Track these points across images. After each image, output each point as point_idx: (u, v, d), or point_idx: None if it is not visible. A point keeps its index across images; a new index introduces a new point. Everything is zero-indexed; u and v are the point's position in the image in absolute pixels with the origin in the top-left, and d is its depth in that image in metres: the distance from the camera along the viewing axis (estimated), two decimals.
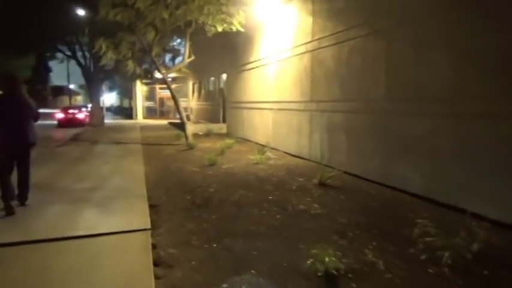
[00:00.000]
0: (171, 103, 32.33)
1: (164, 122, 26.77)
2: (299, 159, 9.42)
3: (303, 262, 3.26)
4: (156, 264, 3.31)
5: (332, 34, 8.18)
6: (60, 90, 76.32)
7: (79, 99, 75.87)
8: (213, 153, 10.19)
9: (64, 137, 15.97)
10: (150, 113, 32.99)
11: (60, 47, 23.36)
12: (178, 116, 29.84)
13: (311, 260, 3.18)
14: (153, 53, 11.62)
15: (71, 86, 67.41)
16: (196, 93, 26.98)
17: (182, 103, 31.90)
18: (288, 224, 4.42)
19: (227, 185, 6.42)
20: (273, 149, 11.06)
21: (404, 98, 6.11)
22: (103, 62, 11.55)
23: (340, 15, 7.92)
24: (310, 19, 9.17)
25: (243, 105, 14.84)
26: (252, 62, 13.57)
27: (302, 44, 9.60)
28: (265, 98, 12.39)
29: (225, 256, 3.50)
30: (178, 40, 24.59)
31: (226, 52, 17.20)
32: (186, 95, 29.26)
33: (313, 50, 9.02)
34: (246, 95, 14.50)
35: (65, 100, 65.53)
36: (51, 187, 6.33)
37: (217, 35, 12.14)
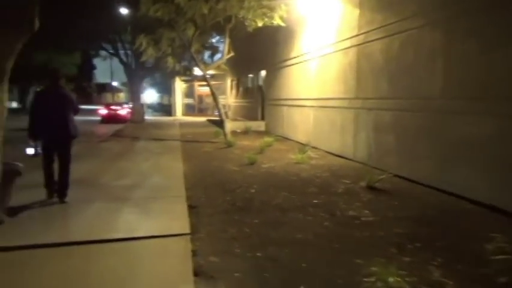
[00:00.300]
0: (209, 100, 32.50)
1: (203, 119, 26.91)
2: (342, 160, 8.94)
3: (360, 280, 2.88)
4: (196, 273, 3.05)
5: (381, 27, 7.63)
6: (103, 87, 79.28)
7: (121, 96, 78.51)
8: (252, 152, 9.92)
9: (106, 133, 16.34)
10: (188, 110, 33.34)
11: (103, 45, 24.04)
12: (216, 113, 29.90)
13: (371, 278, 2.79)
14: (193, 49, 11.51)
15: (114, 83, 69.88)
16: (234, 91, 26.90)
17: (220, 100, 32.21)
18: (337, 233, 4.03)
19: (268, 186, 6.10)
20: (314, 148, 10.63)
21: (467, 95, 5.51)
22: (143, 58, 11.61)
23: (391, 6, 7.36)
24: (356, 12, 8.64)
25: (283, 102, 14.47)
26: (293, 58, 13.16)
27: (347, 39, 9.09)
28: (306, 95, 11.96)
29: (271, 268, 3.18)
30: (217, 37, 24.68)
31: (265, 48, 16.89)
32: (224, 92, 29.27)
33: (359, 44, 8.49)
34: (285, 92, 14.12)
35: (108, 97, 68.05)
36: (91, 183, 6.30)
37: (257, 30, 11.88)
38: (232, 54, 12.55)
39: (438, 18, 6.07)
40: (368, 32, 8.12)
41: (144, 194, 5.58)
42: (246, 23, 10.61)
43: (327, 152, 10.07)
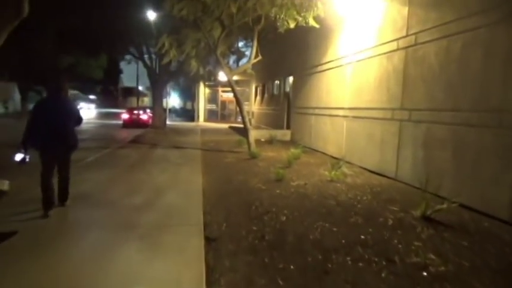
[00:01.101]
0: (232, 106, 31.82)
1: (225, 125, 26.15)
2: (382, 178, 7.83)
3: None
4: None
5: (437, 26, 6.54)
6: (129, 91, 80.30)
7: (146, 100, 79.18)
8: (279, 165, 8.97)
9: (126, 138, 15.71)
10: (211, 115, 32.69)
11: (129, 48, 23.70)
12: (239, 120, 29.12)
13: None
14: (218, 52, 10.66)
15: (140, 88, 70.51)
16: (258, 97, 26.04)
17: (244, 107, 31.45)
18: None
19: (302, 212, 5.09)
20: (347, 162, 9.54)
21: None
22: (165, 60, 10.84)
23: (451, 1, 6.27)
24: (404, 10, 7.57)
25: (311, 110, 13.44)
26: (324, 63, 12.14)
27: (391, 41, 8.03)
28: (338, 104, 10.91)
29: None
30: (243, 42, 23.90)
31: (293, 53, 15.94)
32: (247, 99, 28.44)
33: (408, 47, 7.41)
34: (315, 99, 13.09)
35: (133, 101, 68.57)
36: (97, 200, 5.47)
37: (285, 34, 10.97)
38: (259, 58, 11.64)
39: None
40: (419, 32, 7.04)
41: (155, 218, 4.66)
42: (278, 23, 9.66)
43: (362, 167, 8.96)
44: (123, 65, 60.13)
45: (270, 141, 14.67)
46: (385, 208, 5.43)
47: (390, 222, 4.76)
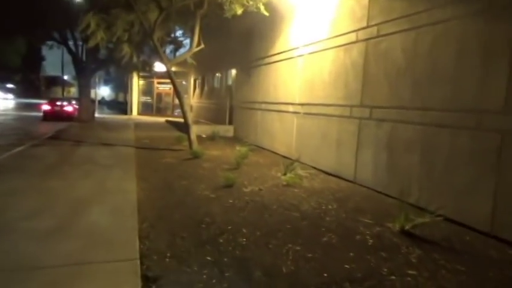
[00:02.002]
0: (169, 99, 30.07)
1: (161, 119, 24.46)
2: (340, 181, 7.21)
3: None
4: None
5: (404, 16, 5.97)
6: (53, 81, 73.38)
7: (73, 90, 73.06)
8: (226, 166, 8.02)
9: (45, 133, 13.61)
10: (145, 108, 30.57)
11: (51, 32, 20.88)
12: (176, 114, 27.50)
13: None
14: (155, 38, 9.33)
15: (65, 77, 64.84)
16: (198, 90, 24.71)
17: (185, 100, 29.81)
18: None
19: (264, 230, 4.17)
20: (297, 161, 8.86)
21: None
22: (91, 43, 9.25)
23: None
24: None
25: (257, 105, 12.61)
26: (272, 55, 11.34)
27: (349, 32, 7.40)
28: (287, 99, 10.17)
29: None
30: (181, 31, 22.35)
31: (237, 44, 14.97)
32: (186, 92, 26.92)
33: (369, 39, 6.81)
34: (261, 94, 12.26)
35: (58, 91, 62.95)
36: None
37: (228, 23, 10.02)
38: (202, 46, 10.51)
39: (499, 3, 4.48)
40: (382, 23, 6.45)
41: (68, 253, 3.38)
42: (225, 8, 8.60)
43: (316, 168, 8.30)
44: (45, 51, 54.70)
45: (212, 138, 13.61)
46: (356, 220, 4.71)
47: (369, 240, 4.02)
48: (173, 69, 27.75)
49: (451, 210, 4.84)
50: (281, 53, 10.68)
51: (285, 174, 7.36)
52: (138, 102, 30.50)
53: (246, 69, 13.86)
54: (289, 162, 7.91)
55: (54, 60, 54.18)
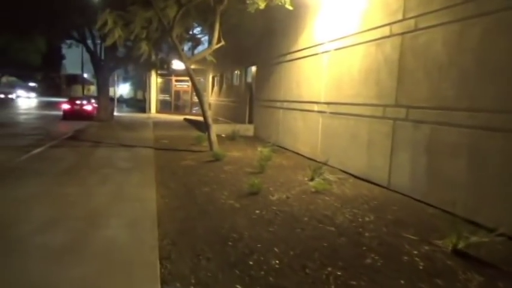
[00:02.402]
0: (187, 97, 29.87)
1: (179, 117, 24.27)
2: (373, 187, 6.68)
3: None
4: None
5: (446, 8, 5.40)
6: (74, 79, 74.49)
7: (93, 88, 73.97)
8: (249, 169, 7.62)
9: (64, 133, 13.50)
10: (164, 106, 30.46)
11: (70, 30, 20.86)
12: (194, 111, 27.25)
13: None
14: (174, 35, 8.96)
15: (85, 75, 65.84)
16: (216, 88, 24.37)
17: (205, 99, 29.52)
18: None
19: (297, 250, 3.72)
20: (323, 164, 8.38)
21: None
22: (109, 41, 8.94)
23: None
24: None
25: (279, 104, 12.13)
26: (294, 51, 10.84)
27: (382, 26, 6.85)
28: (311, 97, 9.67)
29: None
30: (199, 28, 21.98)
31: (257, 41, 14.51)
32: (204, 89, 26.65)
33: (405, 33, 6.25)
34: (283, 92, 11.78)
35: (78, 89, 63.91)
36: None
37: (248, 20, 9.55)
38: (222, 43, 10.08)
39: None
40: (421, 15, 5.88)
41: (83, 279, 3.01)
42: (247, 1, 8.13)
43: (343, 171, 7.80)
44: (66, 50, 55.31)
45: (232, 138, 13.22)
46: (399, 236, 4.21)
47: (419, 263, 3.53)
48: (192, 66, 27.51)
49: (508, 226, 4.28)
50: (305, 49, 10.17)
51: (312, 179, 6.90)
52: (157, 100, 30.43)
53: (267, 66, 13.39)
54: (315, 165, 7.43)
55: (74, 59, 54.84)
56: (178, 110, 29.67)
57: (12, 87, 65.73)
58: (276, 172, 7.60)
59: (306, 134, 10.04)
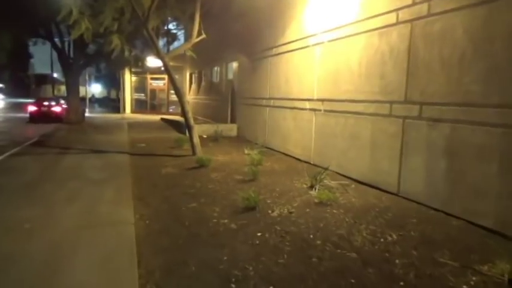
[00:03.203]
0: (163, 95, 28.67)
1: (156, 117, 23.12)
2: (379, 193, 5.96)
3: None
4: None
5: None
6: (43, 79, 71.12)
7: (63, 89, 70.89)
8: (239, 176, 6.77)
9: (29, 138, 12.23)
10: (139, 106, 29.11)
11: (36, 26, 19.23)
12: (171, 110, 26.08)
13: None
14: (149, 26, 7.97)
15: (55, 75, 63.08)
16: (194, 85, 23.33)
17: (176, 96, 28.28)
18: None
19: None
20: (317, 166, 7.66)
21: None
22: (75, 33, 7.86)
23: None
24: None
25: (265, 102, 11.31)
26: (281, 44, 10.03)
27: (387, 12, 6.12)
28: (303, 94, 8.90)
29: None
30: (173, 23, 20.83)
31: (239, 34, 13.62)
32: (181, 87, 25.51)
33: (416, 19, 5.53)
34: (269, 88, 10.97)
35: (48, 90, 61.11)
36: None
37: (229, 12, 8.68)
38: (203, 36, 9.17)
39: None
40: None
41: None
42: None
43: (343, 175, 7.05)
44: (33, 48, 52.65)
45: (215, 139, 12.32)
46: (436, 263, 3.46)
47: None
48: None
49: None
50: (294, 41, 9.37)
51: (312, 186, 6.12)
52: (131, 99, 29.06)
53: (251, 61, 12.54)
54: (310, 168, 6.69)
55: (43, 58, 52.31)
56: (154, 109, 28.42)
57: None
58: (270, 179, 6.77)
59: (297, 134, 9.26)
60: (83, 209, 4.90)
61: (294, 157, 9.21)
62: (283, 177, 7.02)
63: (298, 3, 9.01)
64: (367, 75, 6.62)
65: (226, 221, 4.50)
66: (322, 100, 8.09)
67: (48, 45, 23.11)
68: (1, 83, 70.31)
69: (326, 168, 6.63)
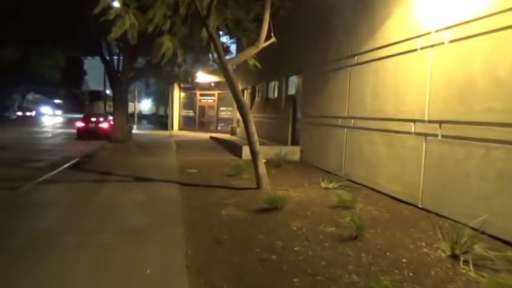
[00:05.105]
0: (212, 113, 27.33)
1: (204, 135, 21.68)
2: None
3: None
4: None
5: None
6: (96, 95, 73.50)
7: None
8: (332, 228, 4.67)
9: (70, 158, 10.89)
10: (187, 123, 27.97)
11: (84, 39, 18.56)
12: (220, 128, 24.48)
13: None
14: (210, 23, 6.21)
15: (108, 92, 64.97)
16: (247, 102, 21.63)
17: (225, 113, 26.77)
18: None
19: None
20: (430, 212, 5.43)
21: None
22: (115, 33, 6.26)
23: None
24: None
25: (341, 121, 9.20)
26: (367, 51, 7.96)
27: None
28: (404, 113, 6.71)
29: None
30: (226, 35, 19.40)
31: (305, 44, 11.72)
32: (230, 104, 24.06)
33: None
34: (348, 105, 8.86)
35: (100, 106, 62.94)
36: None
37: (296, 17, 6.77)
38: (273, 40, 7.31)
39: None
40: None
41: None
42: None
43: (496, 238, 4.69)
44: (87, 65, 54.45)
45: (277, 164, 10.34)
46: None
47: None
48: (216, 79, 24.88)
49: None
50: (388, 45, 7.26)
51: (454, 256, 3.90)
52: (179, 116, 28.05)
53: (320, 74, 10.53)
54: (424, 216, 4.46)
55: (97, 75, 53.82)
56: (202, 126, 27.12)
57: (37, 104, 65.54)
58: (380, 236, 4.60)
59: (392, 164, 7.03)
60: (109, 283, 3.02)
61: (387, 194, 6.98)
62: (396, 232, 4.82)
63: None
64: None
65: None
66: (440, 122, 5.84)
67: (95, 59, 22.65)
68: (59, 99, 73.58)
69: (478, 230, 4.33)
